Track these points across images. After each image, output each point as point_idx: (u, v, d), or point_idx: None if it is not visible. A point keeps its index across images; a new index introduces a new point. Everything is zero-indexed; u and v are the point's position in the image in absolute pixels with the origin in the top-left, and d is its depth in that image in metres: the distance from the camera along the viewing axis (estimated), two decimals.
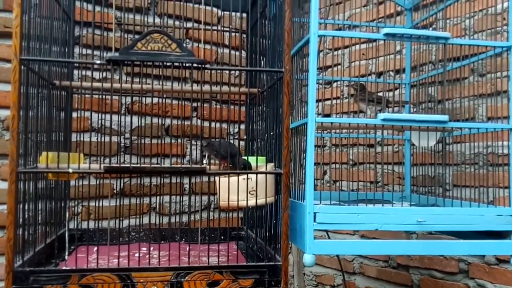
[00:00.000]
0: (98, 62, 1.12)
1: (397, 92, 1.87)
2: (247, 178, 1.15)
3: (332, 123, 1.26)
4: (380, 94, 1.48)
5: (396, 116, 1.25)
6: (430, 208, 1.29)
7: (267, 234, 1.28)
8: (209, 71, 1.17)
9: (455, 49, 1.41)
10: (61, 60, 1.32)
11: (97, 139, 1.62)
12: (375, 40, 1.86)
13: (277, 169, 1.19)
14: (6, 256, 1.02)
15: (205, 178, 1.78)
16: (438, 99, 1.45)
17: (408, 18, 1.75)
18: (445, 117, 1.24)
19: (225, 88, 1.24)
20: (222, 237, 1.54)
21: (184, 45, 1.14)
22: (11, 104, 1.04)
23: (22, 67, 1.05)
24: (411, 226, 1.22)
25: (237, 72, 1.96)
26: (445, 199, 1.38)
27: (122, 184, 1.73)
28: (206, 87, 1.26)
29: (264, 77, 1.38)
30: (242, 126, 1.72)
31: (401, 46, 1.90)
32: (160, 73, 1.14)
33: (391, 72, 1.93)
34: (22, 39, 1.05)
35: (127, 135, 1.80)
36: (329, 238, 1.89)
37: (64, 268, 1.07)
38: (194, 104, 1.96)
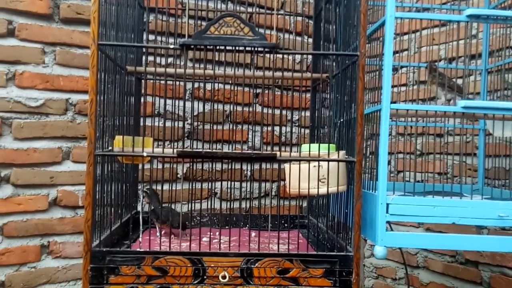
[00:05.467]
0: (172, 47, 1.12)
1: (471, 78, 1.76)
2: (318, 166, 1.12)
3: (408, 110, 1.20)
4: (457, 82, 1.40)
5: (479, 104, 1.17)
6: None
7: (335, 224, 1.25)
8: (274, 56, 1.14)
9: None
10: (135, 45, 1.34)
11: (163, 124, 1.64)
12: (447, 24, 1.76)
13: (349, 157, 1.15)
14: (84, 235, 1.05)
15: (269, 165, 1.77)
16: None
17: (486, 0, 1.63)
18: None
19: (290, 74, 1.20)
20: (286, 225, 1.53)
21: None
22: (89, 89, 1.06)
23: (99, 52, 1.07)
24: (491, 221, 1.15)
25: (300, 58, 1.91)
26: None
27: (189, 168, 1.75)
28: (276, 73, 1.23)
29: (329, 63, 1.34)
30: (303, 113, 1.69)
31: (477, 30, 1.78)
32: (232, 59, 1.13)
33: (463, 58, 1.82)
34: (99, 24, 1.06)
35: (190, 121, 1.82)
36: (391, 230, 1.82)
37: (138, 249, 1.09)
38: (256, 90, 1.95)
